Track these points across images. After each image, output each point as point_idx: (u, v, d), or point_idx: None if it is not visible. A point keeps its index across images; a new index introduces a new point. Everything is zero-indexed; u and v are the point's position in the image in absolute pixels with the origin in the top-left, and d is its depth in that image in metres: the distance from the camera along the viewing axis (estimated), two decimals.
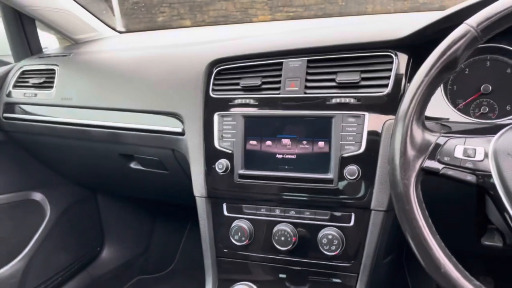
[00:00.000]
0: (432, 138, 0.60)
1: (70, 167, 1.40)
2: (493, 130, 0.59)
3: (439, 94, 0.82)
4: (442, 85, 0.81)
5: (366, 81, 0.83)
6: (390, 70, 0.82)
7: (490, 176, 0.56)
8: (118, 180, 1.35)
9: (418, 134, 0.60)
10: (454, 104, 0.82)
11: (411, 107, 0.60)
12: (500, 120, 0.78)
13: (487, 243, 0.65)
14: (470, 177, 0.57)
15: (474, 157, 0.57)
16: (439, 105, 0.82)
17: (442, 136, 0.60)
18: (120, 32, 1.58)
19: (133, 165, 1.17)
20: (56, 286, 1.47)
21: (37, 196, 1.43)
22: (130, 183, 1.34)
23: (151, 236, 1.79)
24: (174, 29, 1.72)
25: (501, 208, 0.55)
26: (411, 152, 0.60)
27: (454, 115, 0.80)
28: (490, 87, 0.81)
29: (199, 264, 1.19)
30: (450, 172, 0.58)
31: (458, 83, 0.83)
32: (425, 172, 0.60)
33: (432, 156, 0.59)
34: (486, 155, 0.57)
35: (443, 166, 0.59)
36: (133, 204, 1.69)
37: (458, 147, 0.59)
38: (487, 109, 0.81)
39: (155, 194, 1.43)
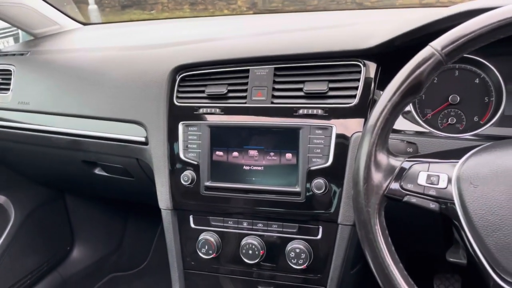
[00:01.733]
0: (396, 163, 0.59)
1: (33, 170, 1.35)
2: (458, 154, 0.58)
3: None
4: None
5: (334, 91, 0.80)
6: (358, 80, 0.80)
7: (453, 203, 0.55)
8: (84, 184, 1.31)
9: (383, 159, 0.59)
10: (422, 114, 0.81)
11: (374, 132, 0.58)
12: (466, 134, 0.77)
13: (451, 259, 0.65)
14: (433, 205, 0.56)
15: (437, 184, 0.56)
16: (407, 115, 0.80)
17: (407, 160, 0.59)
18: (84, 24, 1.50)
19: (97, 171, 1.13)
20: None
21: (1, 199, 1.37)
22: (96, 187, 1.30)
23: (123, 234, 1.76)
24: (142, 21, 1.64)
25: (463, 236, 0.55)
26: (375, 178, 0.58)
27: (420, 127, 0.79)
28: (458, 98, 0.79)
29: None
30: (414, 200, 0.57)
31: (427, 93, 0.81)
32: (388, 198, 0.58)
33: (395, 182, 0.58)
34: (449, 181, 0.56)
35: (406, 193, 0.57)
36: (103, 204, 1.65)
37: (421, 173, 0.57)
38: (455, 119, 0.80)
39: (123, 197, 1.40)
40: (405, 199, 0.58)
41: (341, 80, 0.81)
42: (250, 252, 0.85)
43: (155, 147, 0.91)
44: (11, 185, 1.40)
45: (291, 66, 0.84)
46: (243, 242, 0.86)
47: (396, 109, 0.57)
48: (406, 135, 0.78)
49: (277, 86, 0.84)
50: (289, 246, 0.83)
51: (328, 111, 0.80)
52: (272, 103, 0.83)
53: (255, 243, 0.85)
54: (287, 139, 0.82)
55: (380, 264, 0.56)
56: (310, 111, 0.81)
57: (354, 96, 0.79)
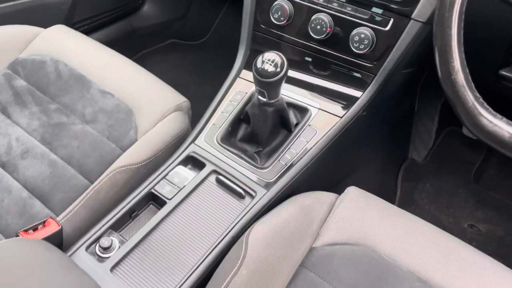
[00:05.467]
0: None
1: None
2: None
3: None
4: None
5: None
6: None
7: None
8: None
9: None
10: None
11: None
12: None
13: (504, 73, 0.70)
14: None
15: None
16: None
17: None
18: None
19: None
20: (100, 25, 1.59)
21: None
22: None
23: (191, 4, 1.82)
24: None
25: None
26: None
27: None
28: None
29: (231, 40, 1.27)
30: None
31: None
32: None
33: None
34: None
35: None
36: None
37: None
38: None
39: None
40: None
41: None
42: (318, 27, 0.90)
43: None
44: None
45: None
46: (314, 16, 0.90)
47: None
48: None
49: None
50: (355, 31, 0.87)
51: None
52: None
53: (326, 20, 0.89)
54: None
55: (445, 44, 0.61)
56: None
57: None
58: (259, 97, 0.80)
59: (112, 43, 1.53)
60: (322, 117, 0.90)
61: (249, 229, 0.72)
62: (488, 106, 0.61)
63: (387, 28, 0.85)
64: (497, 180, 1.39)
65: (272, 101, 0.80)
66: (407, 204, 1.34)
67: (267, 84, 0.75)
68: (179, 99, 0.99)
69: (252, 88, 0.91)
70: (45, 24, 1.16)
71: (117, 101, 0.97)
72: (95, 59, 1.07)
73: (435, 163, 1.43)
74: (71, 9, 1.44)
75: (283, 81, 0.76)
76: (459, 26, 0.61)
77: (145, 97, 0.99)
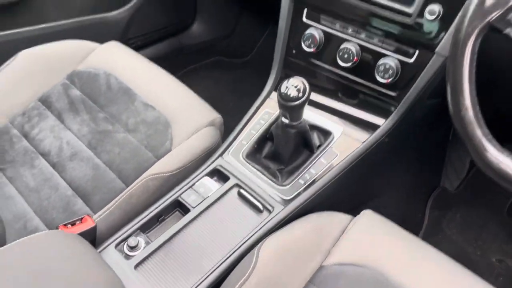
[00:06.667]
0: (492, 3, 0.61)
1: None
2: None
3: None
4: None
5: None
6: None
7: None
8: None
9: None
10: None
11: None
12: None
13: None
14: None
15: None
16: None
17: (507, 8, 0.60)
18: None
19: None
20: (152, 41, 1.72)
21: None
22: None
23: (237, 23, 1.92)
24: None
25: None
26: (488, 4, 0.61)
27: None
28: None
29: (272, 60, 1.34)
30: None
31: None
32: (490, 28, 0.62)
33: (503, 15, 0.61)
34: None
35: (509, 27, 0.61)
36: None
37: None
38: None
39: None
40: (506, 31, 0.61)
41: None
42: (346, 56, 0.95)
43: None
44: None
45: None
46: (342, 45, 0.95)
47: None
48: None
49: None
50: (381, 61, 0.91)
51: None
52: None
53: (353, 49, 0.94)
54: None
55: (456, 81, 0.64)
56: None
57: None
58: (283, 119, 0.86)
59: (161, 58, 1.65)
60: (344, 141, 0.94)
61: (262, 242, 0.77)
62: (496, 143, 0.63)
63: (412, 60, 0.89)
64: None
65: (294, 123, 0.86)
66: (434, 233, 1.33)
67: (289, 107, 0.81)
68: (213, 115, 1.07)
69: None
70: (103, 39, 1.28)
71: (158, 114, 1.07)
72: (142, 74, 1.17)
73: (467, 194, 1.41)
74: (127, 26, 1.58)
75: (304, 106, 0.81)
76: (470, 65, 0.64)
77: (182, 111, 1.07)
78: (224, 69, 1.93)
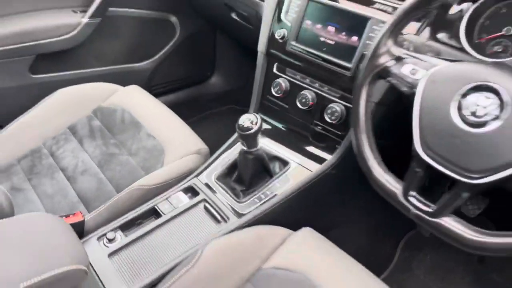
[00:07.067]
0: (396, 52, 0.79)
1: (196, 3, 1.78)
2: (441, 62, 0.75)
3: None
4: (467, 19, 0.90)
5: None
6: None
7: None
8: (225, 23, 1.71)
9: (390, 45, 0.80)
10: (470, 38, 0.91)
11: (391, 24, 0.79)
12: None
13: None
14: (405, 88, 0.77)
15: (415, 75, 0.76)
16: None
17: (404, 53, 0.79)
18: None
19: (233, 15, 1.50)
20: (172, 90, 2.02)
21: (172, 18, 1.87)
22: (231, 29, 1.69)
23: (250, 76, 2.18)
24: None
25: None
26: (379, 57, 0.80)
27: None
28: None
29: None
30: (394, 81, 0.79)
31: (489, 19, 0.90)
32: (379, 75, 0.81)
33: (389, 65, 0.79)
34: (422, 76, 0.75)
35: (392, 75, 0.79)
36: (240, 45, 2.06)
37: (407, 65, 0.77)
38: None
39: (245, 42, 1.76)
40: (389, 79, 0.80)
41: None
42: (304, 100, 1.16)
43: (267, 6, 1.21)
44: (182, 11, 1.87)
45: None
46: (302, 92, 1.16)
47: (409, 14, 0.76)
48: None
49: None
50: (330, 104, 1.11)
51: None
52: None
53: (309, 96, 1.14)
54: (357, 24, 1.04)
55: (356, 120, 0.82)
56: (382, 7, 1.00)
57: None
58: (242, 147, 1.06)
59: (181, 104, 1.93)
60: (298, 171, 1.12)
61: (209, 242, 0.94)
62: (384, 167, 0.79)
63: None
64: (503, 263, 1.40)
65: (251, 150, 1.05)
66: (403, 270, 1.41)
67: (245, 136, 1.01)
68: (200, 145, 1.29)
69: None
70: (129, 84, 1.56)
71: (156, 143, 1.30)
72: (150, 111, 1.43)
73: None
74: (151, 75, 1.89)
75: (257, 135, 1.01)
76: (366, 105, 0.82)
77: (176, 142, 1.30)
78: (235, 116, 2.16)
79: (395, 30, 0.79)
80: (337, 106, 1.09)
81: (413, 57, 0.78)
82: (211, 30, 2.01)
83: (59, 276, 0.76)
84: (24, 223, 0.85)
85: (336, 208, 1.31)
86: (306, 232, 0.99)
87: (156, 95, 1.84)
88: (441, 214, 0.71)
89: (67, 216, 1.01)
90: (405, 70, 0.78)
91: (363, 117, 0.82)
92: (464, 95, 0.68)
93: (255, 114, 1.01)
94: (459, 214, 0.73)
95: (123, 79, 1.72)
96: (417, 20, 0.92)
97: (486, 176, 0.65)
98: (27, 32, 1.53)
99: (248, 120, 1.00)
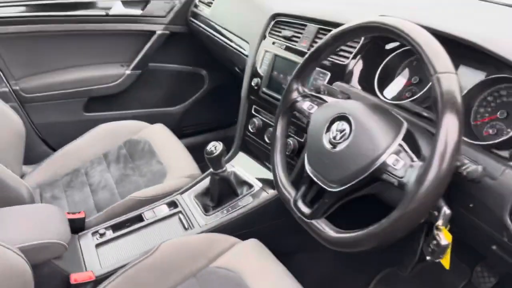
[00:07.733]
0: (301, 90, 1.02)
1: (218, 56, 2.14)
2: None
3: None
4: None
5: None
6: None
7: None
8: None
9: (298, 88, 1.02)
10: None
11: (297, 70, 1.02)
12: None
13: None
14: (304, 120, 0.99)
15: (311, 110, 0.98)
16: None
17: (302, 95, 1.01)
18: None
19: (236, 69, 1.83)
20: (200, 131, 2.35)
21: (202, 72, 2.24)
22: None
23: None
24: None
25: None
26: (290, 94, 1.03)
27: None
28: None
29: None
30: (298, 114, 1.01)
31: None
32: (290, 109, 1.03)
33: (294, 103, 1.01)
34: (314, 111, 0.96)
35: (295, 111, 1.01)
36: None
37: (307, 102, 0.99)
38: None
39: None
40: (294, 112, 1.02)
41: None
42: (269, 135, 1.40)
43: (248, 60, 1.50)
44: (210, 65, 2.24)
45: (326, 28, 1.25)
46: (269, 128, 1.41)
47: (308, 65, 1.00)
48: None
49: (316, 40, 1.28)
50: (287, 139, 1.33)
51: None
52: (308, 49, 1.29)
53: None
54: None
55: (273, 142, 1.05)
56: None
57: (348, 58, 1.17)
58: (211, 169, 1.32)
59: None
60: (259, 193, 1.34)
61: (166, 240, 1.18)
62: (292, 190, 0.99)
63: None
64: None
65: (217, 172, 1.30)
66: None
67: (209, 159, 1.27)
68: (195, 171, 1.56)
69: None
70: (164, 123, 1.90)
71: (161, 167, 1.61)
72: (164, 142, 1.75)
73: (416, 279, 1.55)
74: (182, 116, 2.25)
75: (221, 159, 1.26)
76: (281, 133, 1.04)
77: (177, 167, 1.59)
78: None
79: (301, 75, 1.02)
80: (291, 141, 1.31)
81: (313, 95, 1.00)
82: (235, 81, 2.34)
83: (45, 244, 1.06)
84: (33, 208, 1.19)
85: (291, 232, 1.47)
86: (253, 242, 1.19)
87: (186, 135, 2.20)
88: (314, 216, 0.89)
89: (73, 213, 1.33)
90: (305, 105, 1.00)
91: (280, 140, 1.04)
92: (332, 122, 0.88)
93: (219, 142, 1.26)
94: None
95: (157, 120, 2.08)
96: (321, 67, 1.15)
97: (342, 185, 0.83)
98: (84, 80, 1.99)
99: (213, 146, 1.26)
